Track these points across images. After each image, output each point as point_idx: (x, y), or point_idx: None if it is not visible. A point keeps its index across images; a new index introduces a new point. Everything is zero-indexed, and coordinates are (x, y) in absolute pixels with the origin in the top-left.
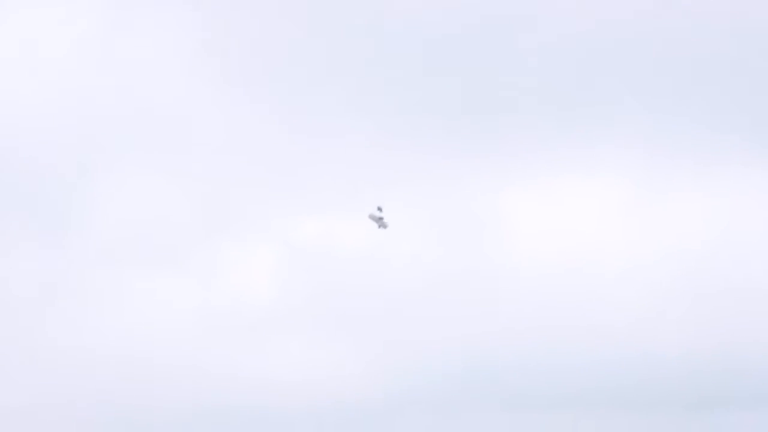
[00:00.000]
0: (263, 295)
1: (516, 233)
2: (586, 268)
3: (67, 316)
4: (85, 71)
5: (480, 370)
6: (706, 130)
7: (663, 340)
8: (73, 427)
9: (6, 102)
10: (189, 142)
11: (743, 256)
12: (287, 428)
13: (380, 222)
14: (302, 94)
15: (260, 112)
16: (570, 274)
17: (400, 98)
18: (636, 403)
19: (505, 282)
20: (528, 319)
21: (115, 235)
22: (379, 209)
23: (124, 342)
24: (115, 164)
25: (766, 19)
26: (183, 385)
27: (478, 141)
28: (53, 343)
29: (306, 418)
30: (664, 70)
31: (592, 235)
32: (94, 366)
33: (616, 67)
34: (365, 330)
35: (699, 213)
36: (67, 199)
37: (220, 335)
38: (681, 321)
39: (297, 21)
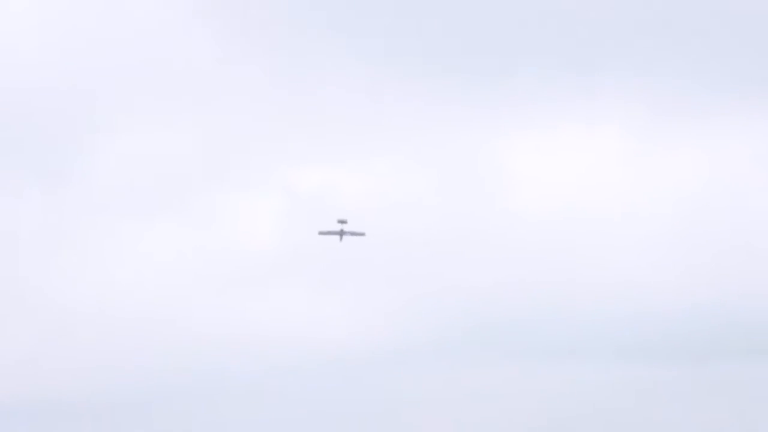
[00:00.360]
0: (264, 244)
1: (517, 182)
2: (586, 217)
3: (68, 263)
4: (86, 22)
5: (481, 319)
6: (707, 80)
7: (663, 289)
8: (71, 375)
9: (11, 50)
10: (190, 91)
11: (744, 206)
12: (288, 378)
13: (341, 234)
14: (303, 42)
15: (261, 60)
16: (571, 223)
17: (401, 46)
18: (639, 353)
19: (506, 230)
20: (528, 267)
21: (116, 183)
22: (341, 221)
23: (124, 289)
24: (117, 112)
25: None
26: (182, 334)
27: (480, 90)
28: (52, 290)
29: (307, 367)
30: (666, 20)
31: (593, 185)
32: (93, 314)
33: (618, 19)
34: (367, 279)
35: (699, 163)
36: (69, 146)
37: (220, 284)
38: (681, 270)
39: None
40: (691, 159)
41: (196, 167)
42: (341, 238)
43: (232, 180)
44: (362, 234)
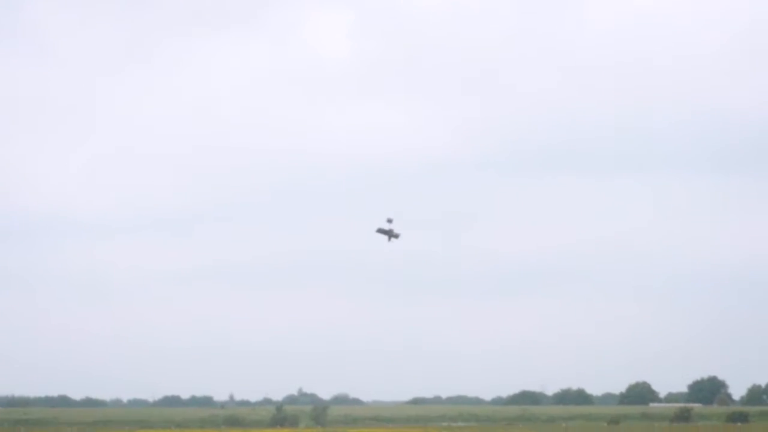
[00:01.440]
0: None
1: None
2: None
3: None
4: None
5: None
6: None
7: None
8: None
9: None
10: None
11: None
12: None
13: (390, 233)
14: None
15: None
16: None
17: None
18: None
19: None
20: None
21: None
22: (389, 221)
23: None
24: None
25: None
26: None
27: None
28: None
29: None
30: None
31: None
32: None
33: None
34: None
35: None
36: None
37: (302, 96)
38: None
39: None
40: None
41: None
42: (390, 239)
43: None
44: (397, 236)
